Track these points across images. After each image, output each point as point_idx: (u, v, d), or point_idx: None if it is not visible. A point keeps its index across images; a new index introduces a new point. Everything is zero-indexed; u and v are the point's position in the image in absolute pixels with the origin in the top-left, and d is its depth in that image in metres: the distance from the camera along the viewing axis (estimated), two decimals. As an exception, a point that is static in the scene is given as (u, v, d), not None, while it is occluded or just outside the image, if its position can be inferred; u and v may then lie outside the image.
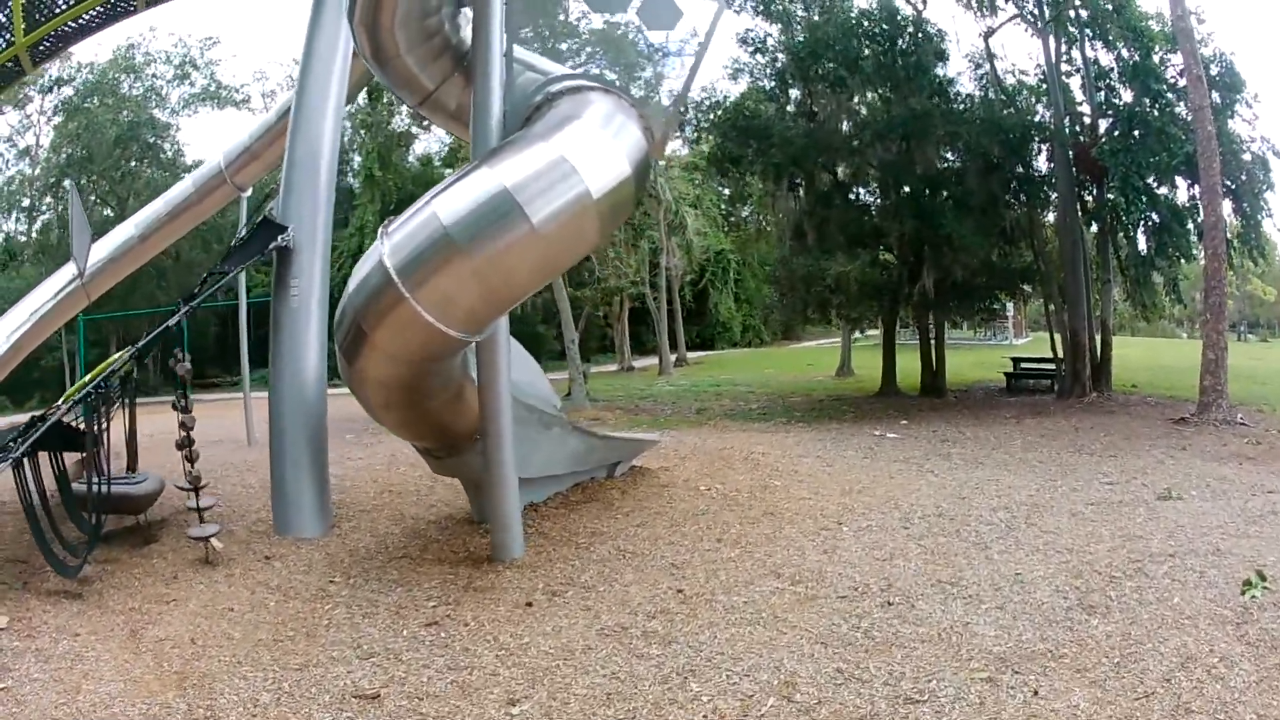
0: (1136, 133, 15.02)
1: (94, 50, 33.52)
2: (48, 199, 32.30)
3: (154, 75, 33.29)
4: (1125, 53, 15.74)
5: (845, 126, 16.61)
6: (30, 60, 8.02)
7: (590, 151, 5.53)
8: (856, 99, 16.52)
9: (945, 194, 16.03)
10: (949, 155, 16.53)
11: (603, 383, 23.58)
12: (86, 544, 6.75)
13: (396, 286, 5.23)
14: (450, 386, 6.40)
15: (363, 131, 31.87)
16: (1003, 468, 10.09)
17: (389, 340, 5.58)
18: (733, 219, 35.29)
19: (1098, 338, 16.74)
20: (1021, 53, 55.70)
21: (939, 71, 16.47)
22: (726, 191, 33.25)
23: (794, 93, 17.18)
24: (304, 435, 7.81)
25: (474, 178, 5.31)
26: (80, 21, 7.99)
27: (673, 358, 30.38)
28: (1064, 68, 16.99)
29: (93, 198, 31.18)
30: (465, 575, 6.46)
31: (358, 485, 9.73)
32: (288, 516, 7.82)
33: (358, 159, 32.53)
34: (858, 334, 22.52)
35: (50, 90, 31.40)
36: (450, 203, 5.25)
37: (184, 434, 7.67)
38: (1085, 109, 17.19)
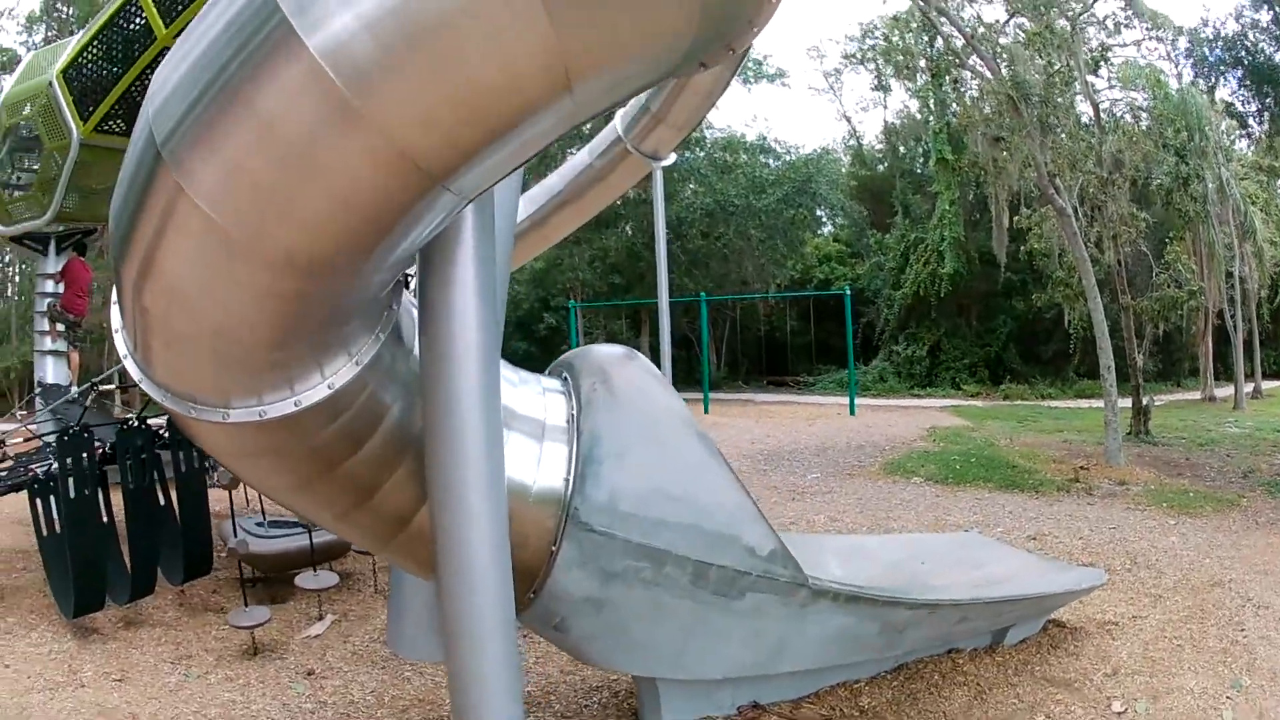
0: None
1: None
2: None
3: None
4: None
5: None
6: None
7: None
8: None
9: None
10: None
11: (1174, 416, 18.19)
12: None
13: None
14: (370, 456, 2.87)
15: (930, 105, 27.50)
16: None
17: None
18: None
19: None
20: None
21: None
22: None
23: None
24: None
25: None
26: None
27: (1249, 388, 23.62)
28: None
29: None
30: None
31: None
32: (395, 623, 5.16)
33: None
34: None
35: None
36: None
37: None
38: None
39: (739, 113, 67.01)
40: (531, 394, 3.36)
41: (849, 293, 21.40)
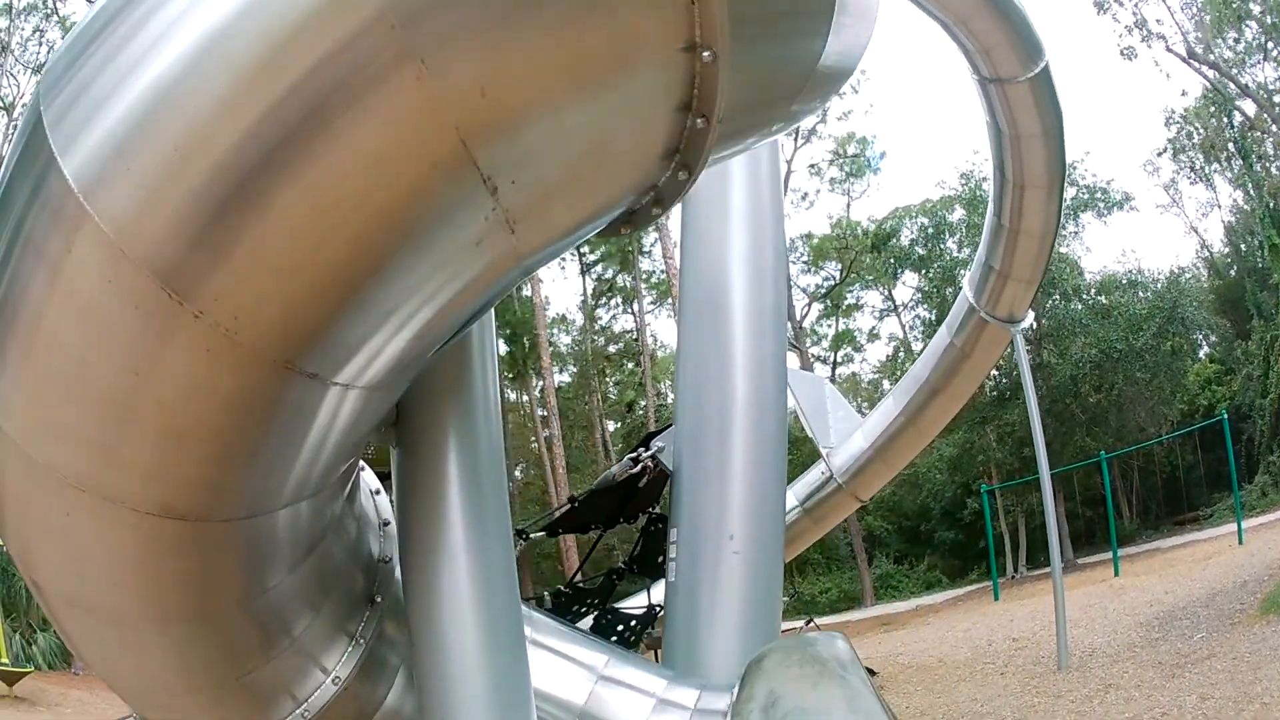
0: None
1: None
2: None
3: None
4: None
5: None
6: None
7: None
8: None
9: None
10: None
11: None
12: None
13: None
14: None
15: (1250, 190, 25.69)
16: None
17: None
18: None
19: None
20: None
21: None
22: None
23: None
24: None
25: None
26: None
27: None
28: None
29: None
30: None
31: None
32: None
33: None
34: None
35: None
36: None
37: None
38: None
39: (1107, 251, 62.53)
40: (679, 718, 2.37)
41: (1225, 416, 20.58)
